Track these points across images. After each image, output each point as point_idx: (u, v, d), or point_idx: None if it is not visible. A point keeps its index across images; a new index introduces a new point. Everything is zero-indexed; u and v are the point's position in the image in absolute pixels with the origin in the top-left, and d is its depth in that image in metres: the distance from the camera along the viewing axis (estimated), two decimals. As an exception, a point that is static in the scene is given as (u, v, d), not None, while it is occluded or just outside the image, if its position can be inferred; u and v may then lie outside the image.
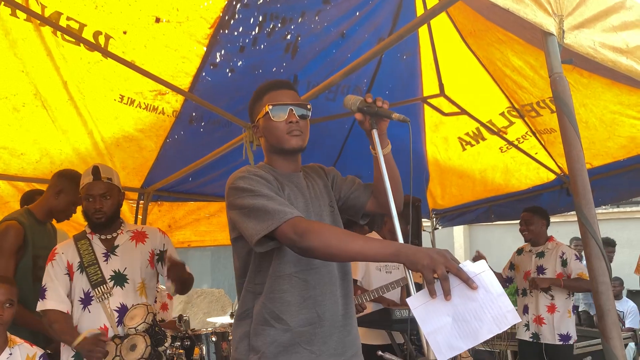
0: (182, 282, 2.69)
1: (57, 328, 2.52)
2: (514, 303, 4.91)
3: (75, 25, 3.02)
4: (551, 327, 4.44)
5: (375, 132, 1.80)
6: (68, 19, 2.98)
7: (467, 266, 1.31)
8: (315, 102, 4.34)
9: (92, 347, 2.36)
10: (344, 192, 2.04)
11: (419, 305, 1.32)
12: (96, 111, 3.70)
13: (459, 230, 13.05)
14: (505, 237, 11.73)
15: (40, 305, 2.58)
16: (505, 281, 5.04)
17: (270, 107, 1.84)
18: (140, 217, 4.98)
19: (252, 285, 1.81)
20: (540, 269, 4.61)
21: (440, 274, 1.30)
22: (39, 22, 2.95)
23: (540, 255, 4.67)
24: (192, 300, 11.82)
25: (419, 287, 1.38)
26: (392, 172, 1.88)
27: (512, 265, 4.99)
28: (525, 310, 4.64)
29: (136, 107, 3.68)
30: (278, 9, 3.21)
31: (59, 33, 3.03)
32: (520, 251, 4.94)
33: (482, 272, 1.30)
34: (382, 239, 1.58)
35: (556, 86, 1.72)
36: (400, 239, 1.55)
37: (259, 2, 3.09)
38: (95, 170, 2.72)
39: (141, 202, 4.99)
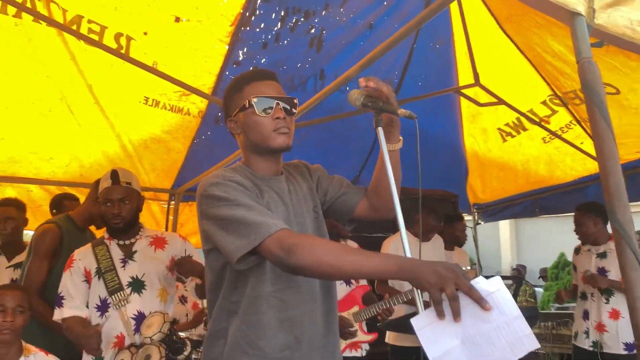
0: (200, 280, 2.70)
1: (75, 330, 2.51)
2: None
3: (97, 28, 3.06)
4: (615, 335, 4.01)
5: (380, 130, 1.62)
6: (89, 21, 3.03)
7: (480, 283, 1.19)
8: (344, 96, 4.30)
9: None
10: (330, 194, 1.86)
11: (424, 326, 1.21)
12: (122, 114, 3.76)
13: (504, 224, 12.76)
14: (553, 230, 11.41)
15: (58, 314, 2.58)
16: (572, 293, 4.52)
17: (255, 99, 1.63)
18: (171, 217, 5.04)
19: (228, 303, 1.65)
20: (602, 272, 4.17)
21: (449, 293, 1.17)
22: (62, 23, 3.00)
23: (602, 255, 4.22)
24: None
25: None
26: (396, 171, 1.68)
27: (574, 267, 4.55)
28: (585, 315, 4.25)
29: (161, 108, 3.72)
30: (300, 2, 3.18)
31: (81, 36, 3.08)
32: (577, 250, 4.52)
33: (497, 291, 1.18)
34: (381, 254, 1.42)
35: (585, 73, 1.55)
36: (408, 252, 1.41)
37: (280, -3, 3.07)
38: (114, 175, 2.72)
39: (172, 202, 5.05)
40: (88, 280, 2.63)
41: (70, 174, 4.29)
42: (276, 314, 1.60)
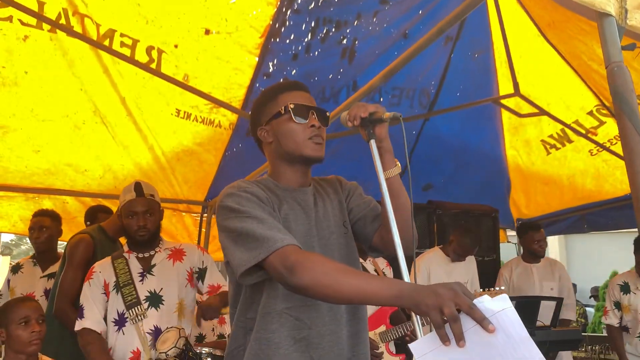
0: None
1: (90, 350, 2.56)
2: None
3: (129, 41, 3.14)
4: None
5: (373, 143, 1.56)
6: (122, 35, 3.11)
7: (485, 302, 1.08)
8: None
9: None
10: (352, 213, 1.80)
11: (426, 352, 1.11)
12: (155, 126, 3.84)
13: (553, 241, 12.39)
14: (604, 247, 10.99)
15: (78, 325, 2.63)
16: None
17: (292, 105, 1.64)
18: (204, 230, 5.10)
19: (244, 319, 1.63)
20: None
21: (447, 313, 1.08)
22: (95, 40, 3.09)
23: None
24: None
25: None
26: (398, 200, 1.57)
27: (617, 304, 4.19)
28: None
29: (193, 121, 3.77)
30: (331, 12, 3.18)
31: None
32: (626, 288, 4.15)
33: (502, 311, 1.06)
34: (383, 277, 1.35)
35: (614, 79, 1.46)
36: (406, 277, 1.36)
37: (310, 7, 3.07)
38: (138, 187, 2.75)
39: (205, 215, 5.10)
40: (106, 293, 2.67)
41: (104, 186, 4.40)
42: (290, 333, 1.57)
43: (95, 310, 2.63)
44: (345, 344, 1.62)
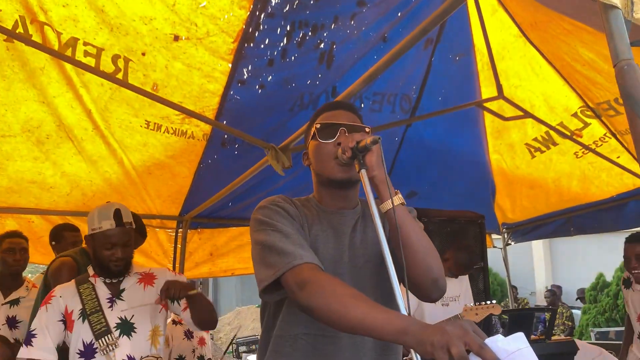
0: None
1: None
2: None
3: (93, 50, 2.99)
4: None
5: (364, 172, 1.46)
6: (85, 44, 2.96)
7: (498, 342, 0.99)
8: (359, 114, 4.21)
9: None
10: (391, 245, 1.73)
11: None
12: (124, 139, 3.68)
13: (537, 243, 12.45)
14: (591, 249, 11.06)
15: (25, 353, 2.41)
16: None
17: (318, 125, 1.63)
18: (179, 246, 4.94)
19: (267, 336, 1.62)
20: None
21: (455, 353, 1.00)
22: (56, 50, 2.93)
23: None
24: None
25: None
26: (402, 234, 1.43)
27: (625, 301, 4.12)
28: None
29: (164, 132, 3.63)
30: (307, 15, 3.07)
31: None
32: (628, 282, 4.05)
33: (518, 351, 0.98)
34: (392, 311, 1.22)
35: (624, 78, 1.35)
36: (404, 311, 1.26)
37: (284, 10, 2.96)
38: (117, 215, 2.56)
39: (180, 230, 4.95)
40: (67, 321, 2.49)
41: (72, 203, 4.23)
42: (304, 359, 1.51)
43: (48, 339, 2.43)
44: None
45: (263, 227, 1.51)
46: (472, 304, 3.61)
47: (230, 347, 11.39)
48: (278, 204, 1.57)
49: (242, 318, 14.38)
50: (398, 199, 1.49)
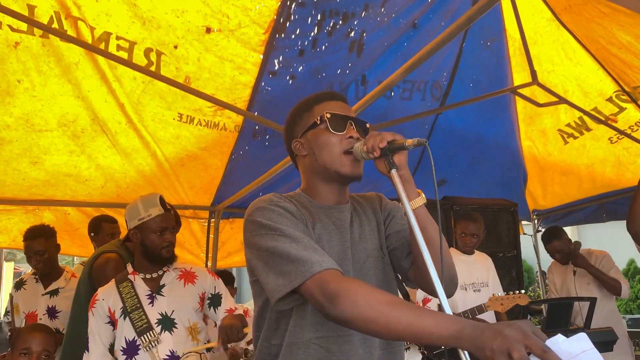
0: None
1: None
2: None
3: (125, 45, 2.99)
4: None
5: (395, 173, 1.40)
6: (118, 38, 2.96)
7: (560, 344, 0.94)
8: (389, 102, 4.15)
9: None
10: (388, 242, 1.65)
11: None
12: (156, 132, 3.70)
13: (568, 230, 12.24)
14: (620, 236, 10.81)
15: (85, 358, 2.47)
16: None
17: (329, 115, 1.54)
18: (212, 236, 4.97)
19: (268, 345, 1.52)
20: None
21: (518, 358, 0.94)
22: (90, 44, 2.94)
23: None
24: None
25: None
26: (425, 234, 1.38)
27: None
28: None
29: (196, 125, 3.63)
30: (337, 4, 3.02)
31: (111, 54, 3.02)
32: None
33: (582, 353, 0.92)
34: (437, 313, 1.16)
35: None
36: (448, 310, 1.21)
37: (315, 0, 2.92)
38: (163, 201, 2.58)
39: (212, 220, 4.97)
40: (113, 321, 2.50)
41: (106, 195, 4.27)
42: None
43: (99, 343, 2.46)
44: None
45: (266, 232, 1.40)
46: (499, 294, 3.55)
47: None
48: (279, 204, 1.46)
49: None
50: (422, 199, 1.48)
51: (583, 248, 4.53)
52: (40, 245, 3.55)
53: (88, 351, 2.47)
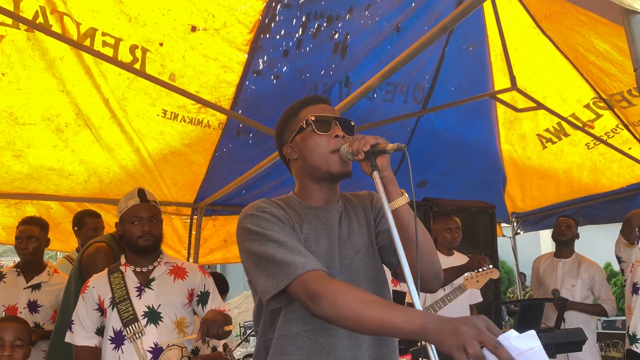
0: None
1: None
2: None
3: (111, 41, 3.00)
4: None
5: (377, 175, 1.48)
6: (103, 34, 2.97)
7: (511, 339, 1.01)
8: (372, 104, 4.20)
9: None
10: (378, 239, 1.72)
11: None
12: (140, 127, 3.70)
13: (545, 234, 12.39)
14: (598, 239, 10.98)
15: (69, 337, 2.55)
16: None
17: (313, 117, 1.61)
18: (194, 233, 4.98)
19: (264, 339, 1.61)
20: None
21: (472, 353, 1.02)
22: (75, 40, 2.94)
23: None
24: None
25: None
26: (408, 232, 1.49)
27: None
28: None
29: (180, 121, 3.64)
30: (322, 6, 3.06)
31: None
32: None
33: (530, 350, 1.00)
34: (406, 309, 1.25)
35: None
36: (418, 306, 1.27)
37: (300, 1, 2.96)
38: (142, 193, 2.65)
39: (195, 217, 4.98)
40: (102, 309, 2.55)
41: (90, 190, 4.27)
42: (307, 357, 1.52)
43: (86, 327, 2.53)
44: None
45: (255, 237, 1.51)
46: (471, 273, 3.67)
47: (239, 330, 11.50)
48: (265, 210, 1.56)
49: (250, 302, 14.49)
50: (405, 198, 1.54)
51: (578, 253, 4.65)
52: (35, 232, 3.62)
53: (72, 332, 2.54)
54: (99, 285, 2.58)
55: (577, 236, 4.69)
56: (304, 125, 1.63)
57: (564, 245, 4.65)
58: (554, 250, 4.79)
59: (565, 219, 4.69)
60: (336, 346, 1.53)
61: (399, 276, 1.70)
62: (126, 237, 2.62)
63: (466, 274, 3.72)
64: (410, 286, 1.32)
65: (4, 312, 3.57)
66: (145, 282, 2.60)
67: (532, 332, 1.02)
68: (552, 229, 4.84)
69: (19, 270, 3.69)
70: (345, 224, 1.67)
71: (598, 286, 4.48)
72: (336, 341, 1.53)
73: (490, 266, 3.75)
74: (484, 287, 3.85)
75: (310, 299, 1.35)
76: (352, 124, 1.67)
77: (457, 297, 3.64)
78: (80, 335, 2.53)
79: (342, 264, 1.60)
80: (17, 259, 3.79)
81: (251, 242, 1.51)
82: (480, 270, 3.71)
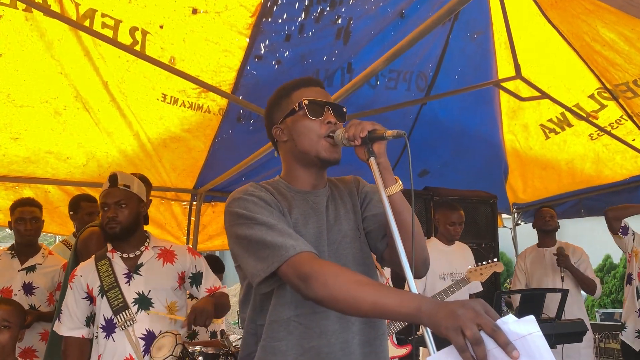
0: (218, 316, 2.58)
1: (70, 355, 2.46)
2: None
3: (111, 22, 2.96)
4: None
5: (373, 161, 1.46)
6: (103, 15, 2.93)
7: (509, 324, 0.99)
8: (375, 91, 4.16)
9: None
10: (365, 224, 1.70)
11: None
12: (140, 112, 3.67)
13: (544, 224, 12.38)
14: (598, 231, 10.97)
15: (56, 326, 2.52)
16: None
17: (306, 101, 1.58)
18: (193, 219, 4.96)
19: (254, 326, 1.58)
20: None
21: (470, 336, 0.99)
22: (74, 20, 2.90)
23: None
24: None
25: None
26: (401, 217, 1.48)
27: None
28: None
29: (180, 106, 3.61)
30: (326, -10, 3.02)
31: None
32: None
33: (529, 335, 0.97)
34: (401, 292, 1.23)
35: None
36: (414, 289, 1.26)
37: (304, -15, 2.91)
38: (113, 178, 2.56)
39: (194, 203, 4.96)
40: (91, 297, 2.51)
41: (88, 174, 4.24)
42: (299, 342, 1.50)
43: (74, 317, 2.49)
44: (357, 353, 1.55)
45: (243, 221, 1.48)
46: (474, 266, 3.67)
47: (238, 317, 11.51)
48: (253, 194, 1.53)
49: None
50: (399, 185, 1.53)
51: (560, 240, 4.66)
52: (37, 212, 3.63)
53: (60, 321, 2.50)
54: (86, 273, 2.53)
55: (558, 226, 4.69)
56: (296, 108, 1.60)
57: (547, 235, 4.65)
58: (537, 242, 4.78)
59: (548, 209, 4.70)
60: (327, 330, 1.52)
61: (385, 261, 1.69)
62: (100, 225, 2.59)
63: (470, 266, 3.73)
64: (406, 271, 1.31)
65: (-2, 294, 3.56)
66: (134, 268, 2.54)
67: (531, 317, 1.00)
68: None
69: (13, 252, 3.68)
70: (332, 208, 1.66)
71: (584, 267, 4.51)
72: (327, 324, 1.52)
73: (495, 260, 3.74)
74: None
75: (302, 280, 1.33)
76: (344, 110, 1.65)
77: (459, 289, 3.63)
78: (67, 325, 2.49)
79: (331, 248, 1.59)
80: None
81: (240, 226, 1.49)
82: (484, 262, 3.70)
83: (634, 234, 4.26)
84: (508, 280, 12.83)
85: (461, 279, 3.68)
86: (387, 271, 3.65)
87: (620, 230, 4.24)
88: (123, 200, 2.53)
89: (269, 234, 1.43)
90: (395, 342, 3.47)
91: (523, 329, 0.99)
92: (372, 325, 1.61)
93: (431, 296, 3.62)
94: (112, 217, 2.49)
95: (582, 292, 4.51)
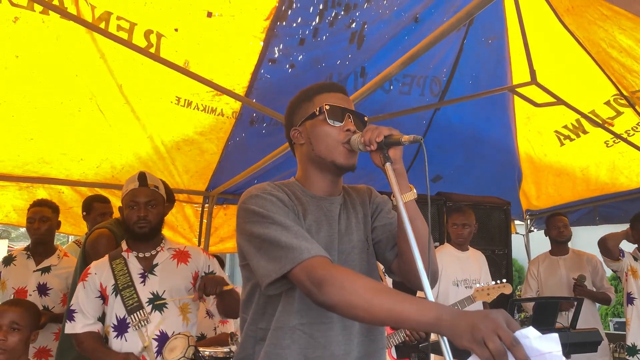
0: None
1: (89, 348, 2.45)
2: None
3: (126, 25, 2.98)
4: None
5: (389, 167, 1.43)
6: (118, 18, 2.95)
7: (531, 339, 0.97)
8: (388, 96, 4.15)
9: None
10: (374, 234, 1.68)
11: None
12: (153, 114, 3.69)
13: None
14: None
15: (69, 328, 2.49)
16: None
17: (327, 107, 1.57)
18: (205, 221, 4.97)
19: (254, 329, 1.55)
20: None
21: (492, 348, 0.98)
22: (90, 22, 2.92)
23: None
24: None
25: None
26: (413, 225, 1.40)
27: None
28: None
29: (194, 109, 3.62)
30: (340, -6, 3.01)
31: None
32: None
33: (548, 354, 0.95)
34: (419, 299, 1.20)
35: None
36: (430, 297, 1.23)
37: (318, -11, 2.91)
38: (142, 177, 2.59)
39: (206, 205, 4.97)
40: (103, 296, 2.51)
41: (101, 175, 4.27)
42: (303, 351, 1.48)
43: (88, 315, 2.49)
44: None
45: (258, 219, 1.45)
46: (482, 285, 3.63)
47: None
48: (271, 193, 1.50)
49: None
50: (413, 194, 1.51)
51: (572, 248, 4.62)
52: (48, 213, 3.67)
53: (74, 321, 2.49)
54: (100, 271, 2.53)
55: (571, 234, 4.69)
56: (317, 112, 1.59)
57: (562, 244, 4.62)
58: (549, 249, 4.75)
59: (560, 217, 4.67)
60: (332, 341, 1.50)
61: (393, 273, 1.66)
62: (125, 222, 2.59)
63: (477, 286, 3.68)
64: (422, 278, 1.27)
65: (13, 295, 3.58)
66: (149, 268, 2.55)
67: (555, 336, 0.97)
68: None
69: (28, 253, 3.71)
70: (344, 217, 1.64)
71: (600, 276, 4.51)
72: (332, 335, 1.50)
73: (504, 280, 3.69)
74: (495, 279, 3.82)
75: (315, 284, 1.30)
76: (366, 119, 1.64)
77: (464, 307, 3.56)
78: (82, 322, 2.48)
79: (340, 257, 1.57)
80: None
81: (254, 224, 1.44)
82: (493, 283, 3.66)
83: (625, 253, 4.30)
84: (519, 287, 12.73)
85: (467, 297, 3.61)
86: (389, 282, 3.62)
87: (620, 254, 4.28)
88: (153, 200, 2.56)
89: (284, 235, 1.39)
90: (394, 355, 3.42)
91: (545, 347, 0.96)
92: (372, 339, 1.59)
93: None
94: (143, 217, 2.51)
95: None
